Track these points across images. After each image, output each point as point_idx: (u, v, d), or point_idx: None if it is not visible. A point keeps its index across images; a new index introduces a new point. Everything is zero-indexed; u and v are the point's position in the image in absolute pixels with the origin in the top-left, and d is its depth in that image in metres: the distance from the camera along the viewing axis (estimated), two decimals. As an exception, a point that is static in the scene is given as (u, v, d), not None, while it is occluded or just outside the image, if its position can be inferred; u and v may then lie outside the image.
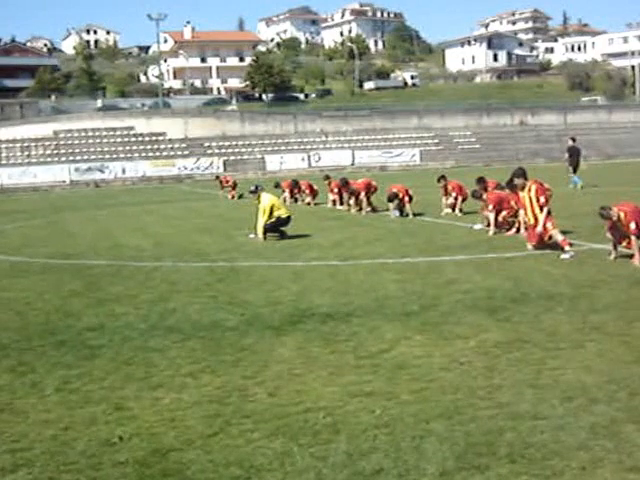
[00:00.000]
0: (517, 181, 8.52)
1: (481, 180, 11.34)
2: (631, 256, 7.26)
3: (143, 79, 74.78)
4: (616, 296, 5.89)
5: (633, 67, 66.79)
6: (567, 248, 7.84)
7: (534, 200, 8.18)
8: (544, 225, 8.04)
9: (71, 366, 4.62)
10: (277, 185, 18.50)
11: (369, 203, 14.28)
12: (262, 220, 10.66)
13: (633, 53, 68.52)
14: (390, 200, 13.07)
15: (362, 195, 14.18)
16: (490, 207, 10.13)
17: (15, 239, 12.81)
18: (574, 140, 19.71)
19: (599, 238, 8.27)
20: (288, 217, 10.95)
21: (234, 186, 21.24)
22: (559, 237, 8.01)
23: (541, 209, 8.07)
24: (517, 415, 3.43)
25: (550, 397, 3.65)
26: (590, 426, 3.26)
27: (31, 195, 31.47)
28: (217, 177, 23.28)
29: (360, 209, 14.30)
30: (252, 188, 11.44)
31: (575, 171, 18.73)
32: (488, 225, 10.30)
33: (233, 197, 20.97)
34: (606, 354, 4.34)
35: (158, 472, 3.03)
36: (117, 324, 5.71)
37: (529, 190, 8.28)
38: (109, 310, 6.26)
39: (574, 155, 18.96)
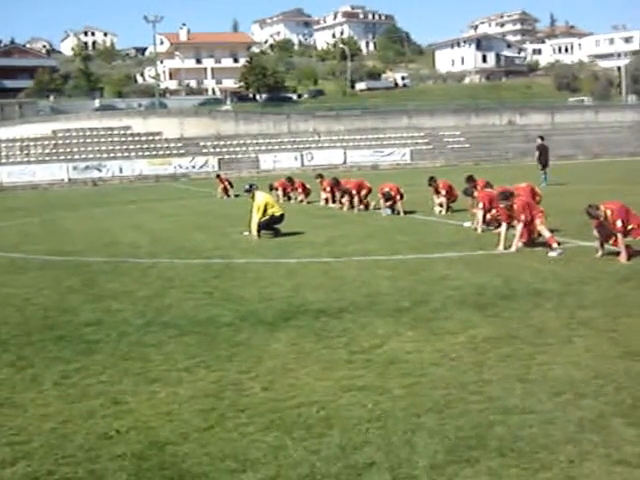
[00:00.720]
0: (502, 204, 8.64)
1: (471, 179, 11.50)
2: (618, 253, 7.38)
3: (140, 80, 74.67)
4: (603, 293, 5.99)
5: (619, 68, 67.32)
6: (555, 245, 7.96)
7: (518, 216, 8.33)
8: (522, 235, 8.22)
9: (69, 361, 4.66)
10: (272, 188, 18.50)
11: (361, 201, 14.38)
12: (256, 218, 10.74)
13: (619, 54, 69.21)
14: (386, 199, 13.19)
15: (354, 193, 14.30)
16: (480, 205, 10.26)
17: (14, 236, 12.78)
18: (542, 139, 20.31)
19: (586, 235, 8.37)
20: (281, 215, 11.03)
21: (226, 190, 21.17)
22: (546, 234, 8.15)
23: (524, 224, 8.18)
24: (506, 409, 3.49)
25: (539, 392, 3.71)
26: (578, 420, 3.32)
27: (30, 193, 31.37)
28: (218, 175, 23.01)
29: (352, 207, 14.41)
30: (247, 187, 11.52)
31: (546, 167, 19.32)
32: (477, 223, 10.44)
33: (229, 196, 20.99)
34: (593, 349, 4.42)
35: (155, 465, 3.07)
36: (114, 320, 5.76)
37: (514, 211, 8.40)
38: (106, 306, 6.30)
39: (543, 153, 19.54)
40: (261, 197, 11.05)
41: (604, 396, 3.62)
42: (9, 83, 62.50)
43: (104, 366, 4.52)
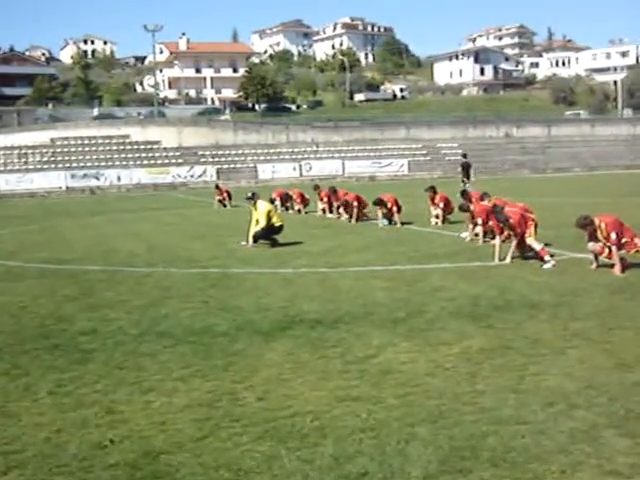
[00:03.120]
0: (498, 218, 8.75)
1: (464, 194, 11.64)
2: (612, 265, 7.45)
3: (139, 89, 75.05)
4: (597, 304, 6.04)
5: (615, 82, 68.14)
6: (547, 258, 8.03)
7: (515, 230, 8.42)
8: (516, 247, 8.32)
9: (64, 370, 4.66)
10: (272, 201, 18.55)
11: (358, 212, 14.47)
12: (261, 224, 10.79)
13: (615, 69, 70.05)
14: (376, 204, 13.29)
15: (354, 205, 14.40)
16: (479, 221, 10.31)
17: (11, 244, 12.76)
18: (465, 156, 22.77)
19: (580, 247, 8.43)
20: (281, 226, 11.09)
21: (223, 200, 21.20)
22: (537, 247, 8.23)
23: (519, 238, 8.27)
24: (500, 420, 3.51)
25: (532, 402, 3.74)
26: (570, 431, 3.35)
27: (27, 201, 31.39)
28: (217, 186, 22.94)
29: (350, 218, 14.48)
30: (249, 195, 11.53)
31: (467, 182, 21.21)
32: (476, 235, 10.51)
33: (225, 205, 21.05)
34: (586, 360, 4.46)
35: (148, 474, 3.07)
36: (110, 329, 5.76)
37: (510, 225, 8.48)
38: (102, 315, 6.31)
39: (465, 169, 21.74)
40: (264, 206, 11.13)
41: (597, 407, 3.65)
42: (8, 90, 62.66)
43: (99, 375, 4.53)
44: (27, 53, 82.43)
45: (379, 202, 13.31)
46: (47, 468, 3.18)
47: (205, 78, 77.04)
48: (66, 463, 3.22)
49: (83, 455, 3.30)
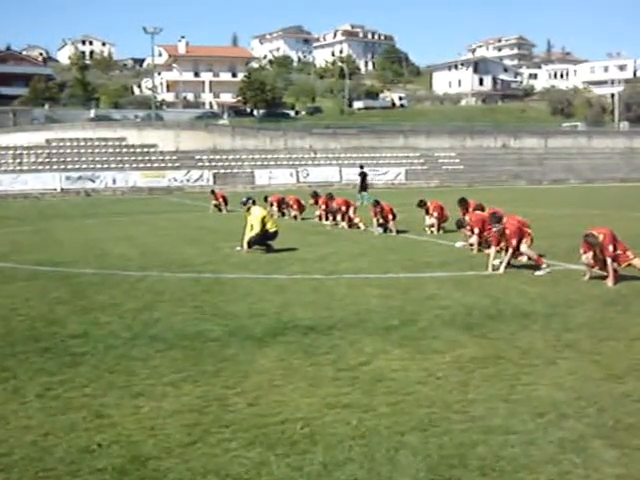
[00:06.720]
0: (495, 227, 8.79)
1: (463, 201, 11.66)
2: (603, 277, 7.51)
3: (137, 91, 75.17)
4: (589, 315, 6.06)
5: (613, 95, 68.89)
6: (543, 266, 8.10)
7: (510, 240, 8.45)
8: (509, 260, 8.34)
9: (54, 373, 4.63)
10: (266, 199, 18.72)
11: (350, 219, 14.55)
12: (255, 230, 10.78)
13: (613, 82, 70.88)
14: (375, 206, 13.42)
15: (342, 210, 14.50)
16: (476, 231, 10.34)
17: (3, 245, 12.69)
18: (362, 167, 25.69)
19: (574, 258, 8.48)
20: (275, 232, 11.08)
21: (219, 205, 21.23)
22: (534, 256, 8.27)
23: (514, 249, 8.31)
24: (489, 429, 3.51)
25: (522, 412, 3.74)
26: (559, 441, 3.36)
27: (21, 202, 31.24)
28: (212, 191, 23.02)
29: (350, 225, 14.52)
30: (244, 199, 11.54)
31: (365, 190, 23.72)
32: (471, 245, 10.54)
33: (220, 210, 21.08)
34: (577, 371, 4.47)
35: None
36: (101, 332, 5.73)
37: (505, 235, 8.52)
38: (94, 318, 6.27)
39: (362, 179, 24.11)
40: (258, 211, 11.12)
41: (586, 417, 3.66)
42: (3, 90, 62.40)
43: (89, 379, 4.50)
44: (24, 53, 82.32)
45: (376, 203, 13.46)
46: (33, 472, 3.15)
47: (204, 82, 77.21)
48: (53, 467, 3.19)
49: (70, 459, 3.27)
